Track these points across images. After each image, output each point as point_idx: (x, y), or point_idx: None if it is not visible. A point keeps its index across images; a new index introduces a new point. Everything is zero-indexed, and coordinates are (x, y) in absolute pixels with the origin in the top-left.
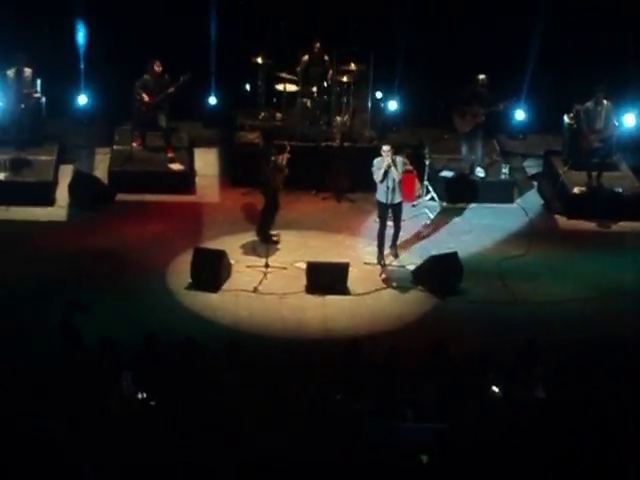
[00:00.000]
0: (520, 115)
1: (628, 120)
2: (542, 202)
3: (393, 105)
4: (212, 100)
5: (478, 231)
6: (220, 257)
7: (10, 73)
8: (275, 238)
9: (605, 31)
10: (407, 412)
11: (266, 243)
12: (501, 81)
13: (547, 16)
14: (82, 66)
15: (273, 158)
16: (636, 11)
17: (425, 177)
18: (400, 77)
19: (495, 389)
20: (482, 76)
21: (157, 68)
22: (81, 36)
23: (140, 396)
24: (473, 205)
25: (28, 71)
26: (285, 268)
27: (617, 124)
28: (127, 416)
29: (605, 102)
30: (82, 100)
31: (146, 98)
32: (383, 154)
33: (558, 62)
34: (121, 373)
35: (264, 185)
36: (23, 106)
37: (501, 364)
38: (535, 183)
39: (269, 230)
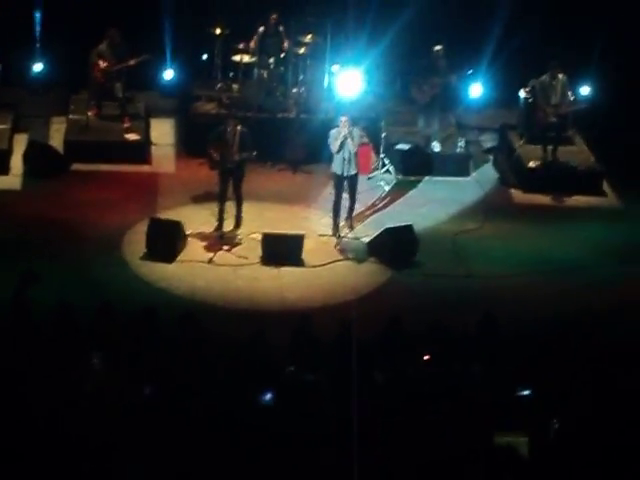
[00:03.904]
0: (476, 89)
1: (584, 92)
2: (497, 176)
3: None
4: (169, 73)
5: (433, 204)
6: (176, 228)
7: None
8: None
9: (561, 5)
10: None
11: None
12: (458, 54)
13: None
14: (37, 34)
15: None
16: None
17: (381, 150)
18: (357, 49)
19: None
20: (438, 47)
21: (115, 37)
22: (36, 4)
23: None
24: (428, 178)
25: None
26: (240, 239)
27: (573, 98)
28: (100, 394)
29: (560, 76)
30: (37, 68)
31: (102, 64)
32: (340, 124)
33: (515, 36)
34: (86, 349)
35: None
36: None
37: (455, 337)
38: (491, 157)
39: (221, 204)
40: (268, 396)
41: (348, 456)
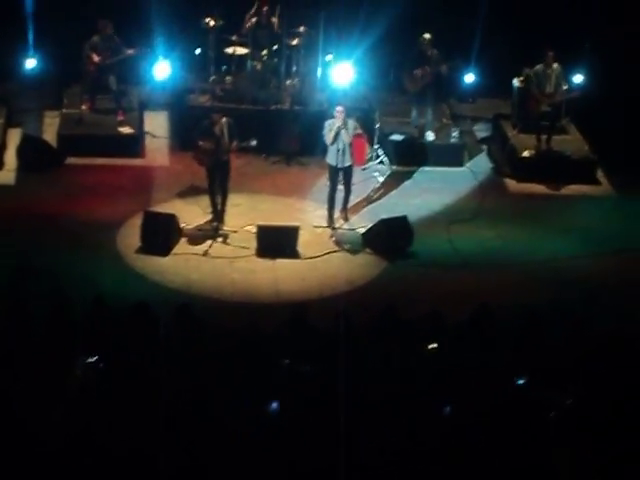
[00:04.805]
0: (469, 78)
1: (577, 81)
2: (491, 165)
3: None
4: (161, 66)
5: (428, 195)
6: (170, 221)
7: None
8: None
9: None
10: None
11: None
12: (450, 43)
13: None
14: (30, 28)
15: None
16: None
17: (375, 141)
18: (350, 40)
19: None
20: (427, 35)
21: (106, 29)
22: None
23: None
24: (423, 169)
25: None
26: (235, 231)
27: (566, 87)
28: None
29: (555, 65)
30: (30, 64)
31: (95, 58)
32: (336, 114)
33: (507, 24)
34: (75, 351)
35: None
36: None
37: (451, 327)
38: (484, 147)
39: (213, 198)
40: (274, 405)
41: (338, 447)
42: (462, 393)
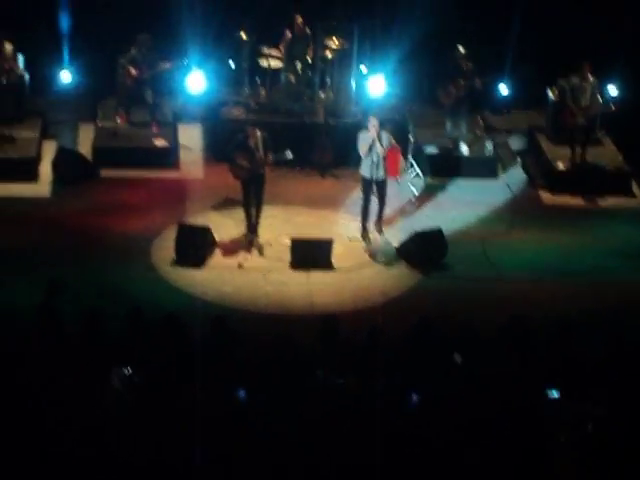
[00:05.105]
0: (504, 90)
1: (611, 92)
2: (526, 178)
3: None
4: (196, 78)
5: (462, 207)
6: (204, 233)
7: None
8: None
9: (589, 4)
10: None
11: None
12: (484, 55)
13: None
14: (66, 41)
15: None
16: None
17: (409, 153)
18: (384, 52)
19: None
20: (462, 49)
21: (147, 43)
22: (64, 11)
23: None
24: (457, 181)
25: (9, 47)
26: (270, 244)
27: (601, 100)
28: (118, 411)
29: (591, 78)
30: (65, 76)
31: (133, 72)
32: (369, 126)
33: (541, 36)
34: (110, 363)
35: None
36: (5, 82)
37: (484, 339)
38: (519, 159)
39: (247, 210)
40: (242, 394)
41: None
42: (494, 405)
